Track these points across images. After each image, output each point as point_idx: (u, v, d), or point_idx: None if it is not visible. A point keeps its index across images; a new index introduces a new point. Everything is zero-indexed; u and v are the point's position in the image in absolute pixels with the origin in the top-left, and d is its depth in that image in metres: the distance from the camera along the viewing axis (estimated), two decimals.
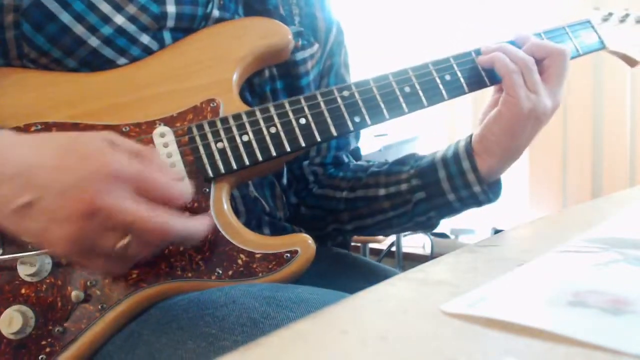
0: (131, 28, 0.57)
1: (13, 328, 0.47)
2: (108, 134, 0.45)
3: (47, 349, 0.48)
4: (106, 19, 0.56)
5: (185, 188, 0.46)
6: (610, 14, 0.73)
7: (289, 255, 0.52)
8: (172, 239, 0.44)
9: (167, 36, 0.59)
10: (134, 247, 0.42)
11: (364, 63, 0.82)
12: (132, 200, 0.42)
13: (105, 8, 0.56)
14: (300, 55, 0.69)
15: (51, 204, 0.41)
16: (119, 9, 0.56)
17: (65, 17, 0.55)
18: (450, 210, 0.67)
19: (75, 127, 0.54)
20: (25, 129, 0.53)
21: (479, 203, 0.66)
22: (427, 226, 0.71)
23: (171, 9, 0.58)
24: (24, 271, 0.49)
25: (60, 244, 0.41)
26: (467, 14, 2.28)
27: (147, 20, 0.57)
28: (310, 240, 0.54)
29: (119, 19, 0.56)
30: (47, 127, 0.53)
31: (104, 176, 0.41)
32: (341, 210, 0.73)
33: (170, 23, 0.59)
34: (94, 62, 0.56)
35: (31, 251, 0.49)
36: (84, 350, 0.48)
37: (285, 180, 0.72)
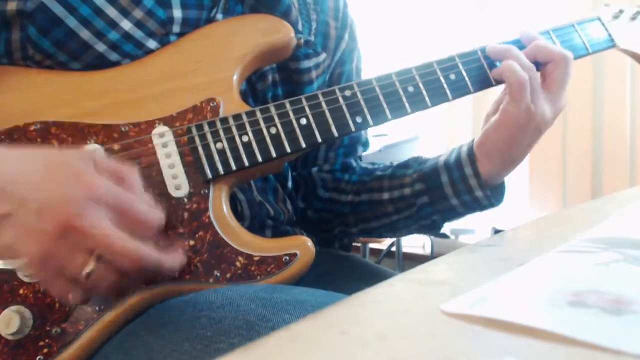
0: (138, 34, 0.56)
1: (11, 329, 0.47)
2: (92, 154, 0.45)
3: (45, 350, 0.47)
4: (113, 24, 0.55)
5: (159, 215, 0.45)
6: (621, 11, 0.71)
7: (287, 258, 0.52)
8: (142, 267, 0.42)
9: (173, 41, 0.59)
10: (101, 274, 0.41)
11: (368, 62, 0.81)
12: (108, 225, 0.41)
13: (112, 12, 0.55)
14: (305, 64, 0.68)
15: (27, 219, 0.40)
16: (125, 13, 0.56)
17: (72, 22, 0.54)
18: (454, 214, 0.68)
19: (74, 126, 0.53)
20: (24, 128, 0.53)
21: (481, 207, 0.67)
22: (431, 228, 0.72)
23: (177, 13, 0.58)
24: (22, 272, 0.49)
25: (29, 259, 0.41)
26: (472, 12, 2.28)
27: (153, 26, 0.57)
28: (309, 242, 0.53)
29: (126, 24, 0.56)
30: (46, 126, 0.53)
31: (85, 198, 0.41)
32: (347, 214, 0.74)
33: (176, 28, 0.58)
34: (100, 66, 0.56)
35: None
36: (82, 351, 0.48)
37: (290, 184, 0.73)
